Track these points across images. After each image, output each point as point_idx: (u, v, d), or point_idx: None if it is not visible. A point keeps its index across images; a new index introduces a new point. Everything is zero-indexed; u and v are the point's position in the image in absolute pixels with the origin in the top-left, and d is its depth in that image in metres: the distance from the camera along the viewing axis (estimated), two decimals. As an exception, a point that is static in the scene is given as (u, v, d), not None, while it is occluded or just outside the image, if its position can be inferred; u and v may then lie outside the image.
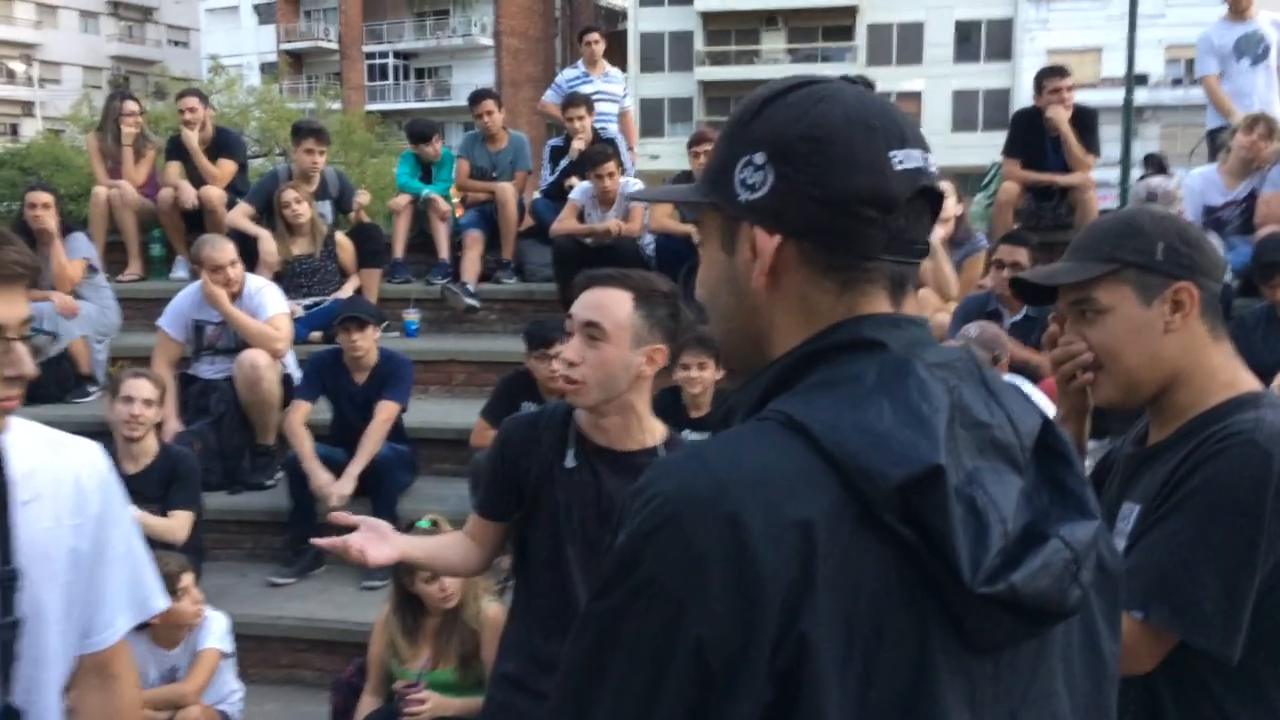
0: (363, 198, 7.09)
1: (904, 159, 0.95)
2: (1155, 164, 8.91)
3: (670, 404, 4.61)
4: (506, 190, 6.96)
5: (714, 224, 1.03)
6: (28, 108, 49.74)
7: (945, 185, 0.99)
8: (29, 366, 1.50)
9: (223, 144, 7.27)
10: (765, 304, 0.99)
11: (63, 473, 1.64)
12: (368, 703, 3.69)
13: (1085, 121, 6.20)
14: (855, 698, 0.84)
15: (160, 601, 1.80)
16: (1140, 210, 1.70)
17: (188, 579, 3.64)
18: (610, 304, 2.12)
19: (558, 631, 2.16)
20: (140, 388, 4.36)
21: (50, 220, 6.03)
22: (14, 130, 47.14)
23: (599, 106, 7.40)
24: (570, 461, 2.19)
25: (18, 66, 43.82)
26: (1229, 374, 1.60)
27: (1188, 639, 1.46)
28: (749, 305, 1.01)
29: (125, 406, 4.33)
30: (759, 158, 0.97)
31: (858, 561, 0.85)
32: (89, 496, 1.66)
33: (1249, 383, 1.61)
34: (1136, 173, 16.22)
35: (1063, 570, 0.88)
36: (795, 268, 0.97)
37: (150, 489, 4.29)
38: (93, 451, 1.71)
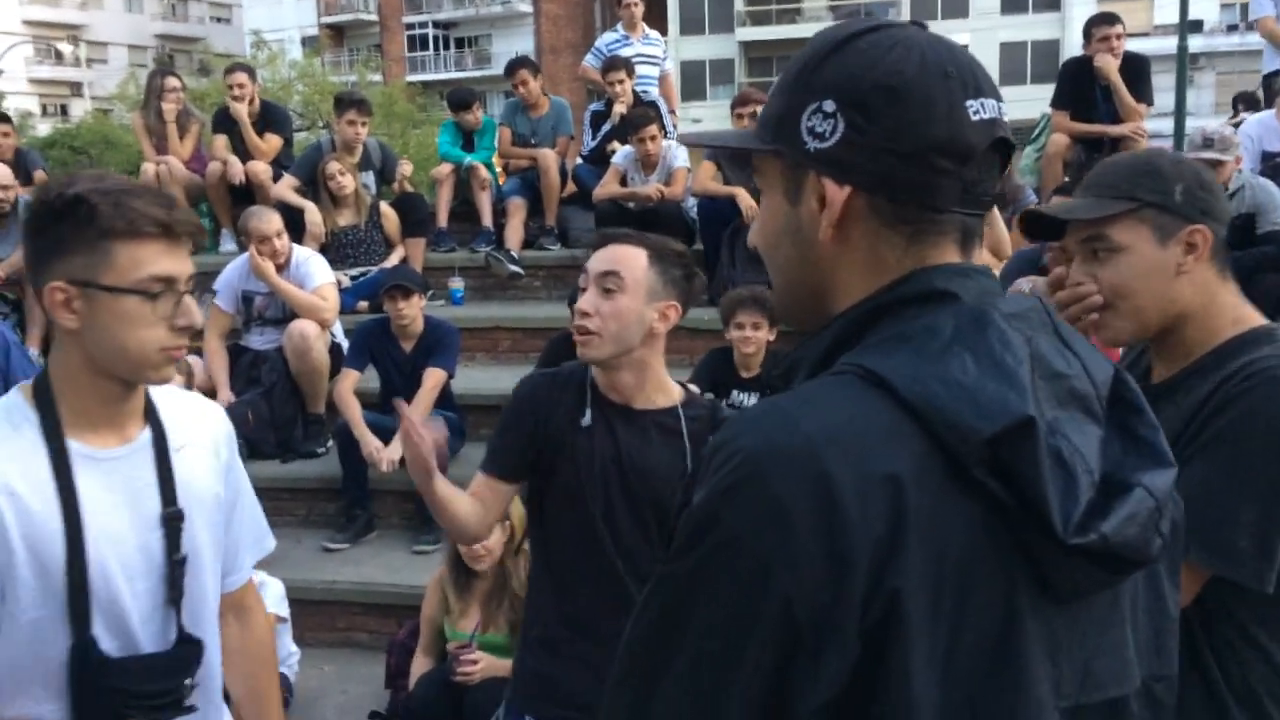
0: (405, 168, 7.12)
1: (980, 108, 0.93)
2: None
3: (721, 363, 4.61)
4: (548, 156, 6.95)
5: (775, 173, 1.00)
6: (76, 88, 50.48)
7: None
8: (198, 318, 1.62)
9: (270, 119, 7.30)
10: (830, 256, 0.97)
11: (200, 424, 1.80)
12: (421, 662, 3.75)
13: (1136, 69, 6.04)
14: (943, 653, 0.83)
15: (272, 541, 1.97)
16: (1157, 151, 1.71)
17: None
18: (626, 258, 2.13)
19: (586, 594, 2.17)
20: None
21: None
22: (64, 110, 47.93)
23: (639, 70, 7.35)
24: (587, 420, 2.18)
25: (65, 48, 44.37)
26: (1236, 311, 1.63)
27: (1224, 574, 1.49)
28: (812, 257, 0.98)
29: None
30: (829, 105, 0.93)
31: (946, 516, 0.83)
32: (221, 446, 1.82)
33: (1256, 318, 1.63)
34: (1191, 122, 15.85)
35: (1148, 519, 0.87)
36: (864, 219, 0.94)
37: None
38: (216, 406, 1.89)
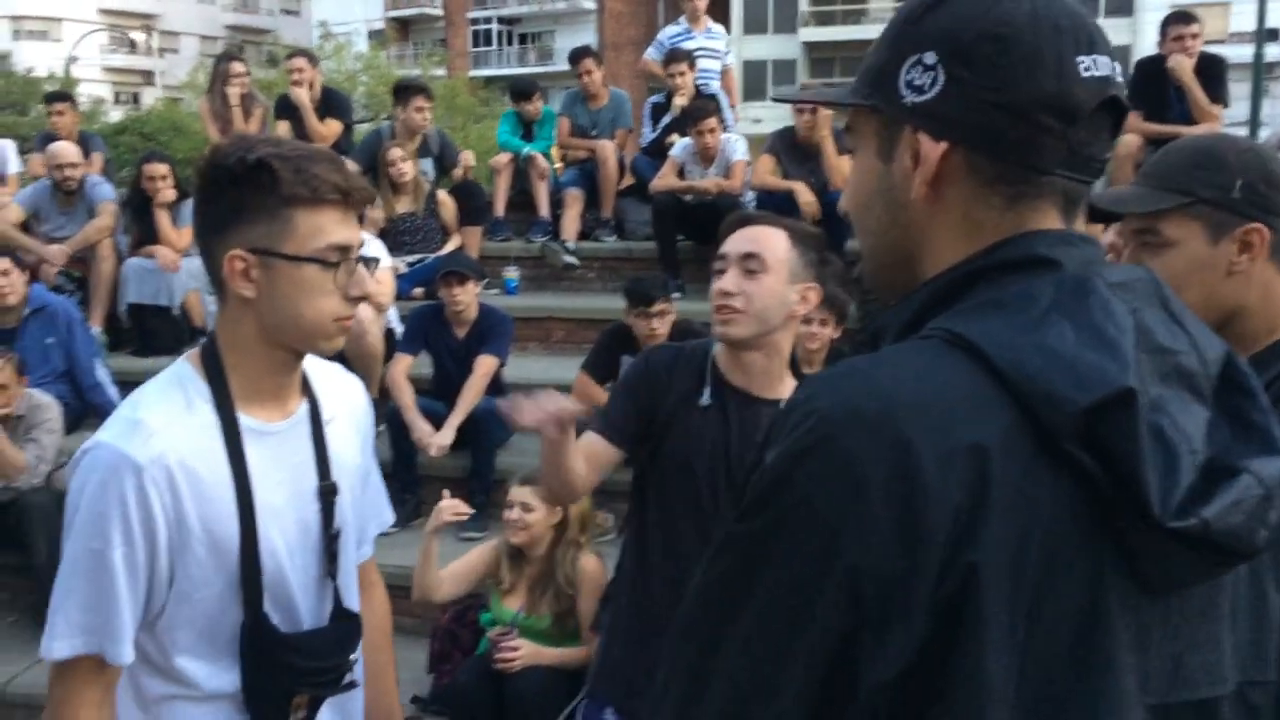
0: (468, 158, 7.14)
1: (1092, 65, 0.88)
2: None
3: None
4: (607, 148, 6.94)
5: (870, 129, 0.96)
6: (148, 77, 51.48)
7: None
8: (371, 286, 1.60)
9: (331, 104, 7.40)
10: (923, 217, 0.92)
11: (344, 396, 1.77)
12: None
13: (1212, 70, 5.88)
14: (1022, 634, 0.78)
15: (392, 514, 1.94)
16: (1223, 139, 1.58)
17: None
18: (768, 238, 2.10)
19: (680, 581, 2.09)
20: None
21: (169, 192, 6.16)
22: (135, 98, 48.91)
23: (701, 63, 7.31)
24: (706, 399, 2.14)
25: (139, 37, 45.36)
26: None
27: None
28: (904, 219, 0.94)
29: None
30: (929, 57, 0.89)
31: (1033, 491, 0.79)
32: (361, 419, 1.80)
33: None
34: (1264, 133, 15.48)
35: (1255, 508, 0.81)
36: (961, 178, 0.90)
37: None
38: (355, 379, 1.85)
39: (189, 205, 6.39)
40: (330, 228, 1.51)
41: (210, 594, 1.55)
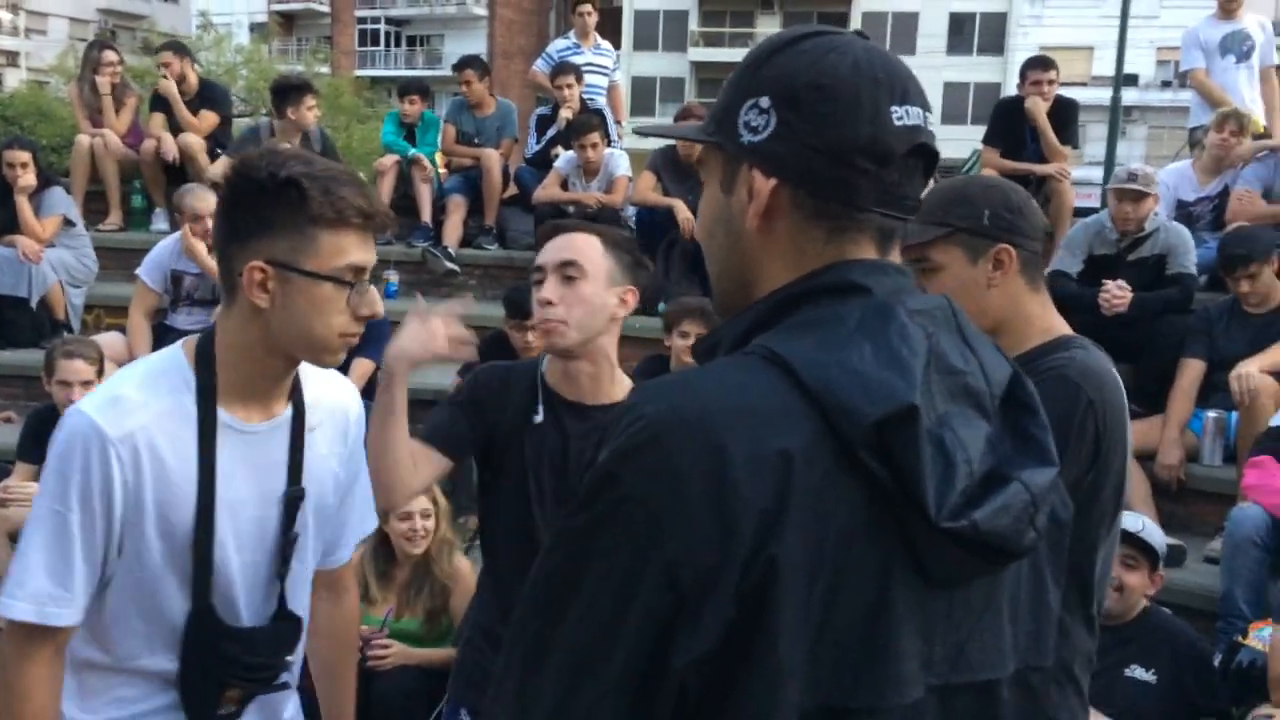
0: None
1: (904, 115, 0.98)
2: None
3: (657, 371, 4.67)
4: (491, 157, 6.97)
5: (715, 164, 1.05)
6: (12, 58, 49.09)
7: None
8: (380, 306, 1.62)
9: (207, 96, 7.25)
10: (755, 246, 1.02)
11: (335, 404, 1.80)
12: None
13: (1064, 114, 6.23)
14: (815, 622, 0.87)
15: (375, 520, 1.97)
16: (972, 180, 1.89)
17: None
18: (583, 245, 2.12)
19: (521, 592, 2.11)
20: (76, 370, 3.96)
21: (30, 178, 5.95)
22: (-3, 79, 46.57)
23: (588, 78, 7.40)
24: (539, 416, 2.16)
25: (4, 16, 43.24)
26: (1045, 321, 1.84)
27: None
28: (740, 246, 1.03)
29: (63, 391, 3.97)
30: (764, 101, 0.99)
31: (831, 495, 0.88)
32: (351, 428, 1.83)
33: (1062, 328, 1.84)
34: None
35: (1021, 511, 0.92)
36: (788, 213, 0.99)
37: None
38: (351, 387, 1.89)
39: (53, 194, 6.19)
40: (350, 249, 1.56)
41: (153, 576, 1.59)
